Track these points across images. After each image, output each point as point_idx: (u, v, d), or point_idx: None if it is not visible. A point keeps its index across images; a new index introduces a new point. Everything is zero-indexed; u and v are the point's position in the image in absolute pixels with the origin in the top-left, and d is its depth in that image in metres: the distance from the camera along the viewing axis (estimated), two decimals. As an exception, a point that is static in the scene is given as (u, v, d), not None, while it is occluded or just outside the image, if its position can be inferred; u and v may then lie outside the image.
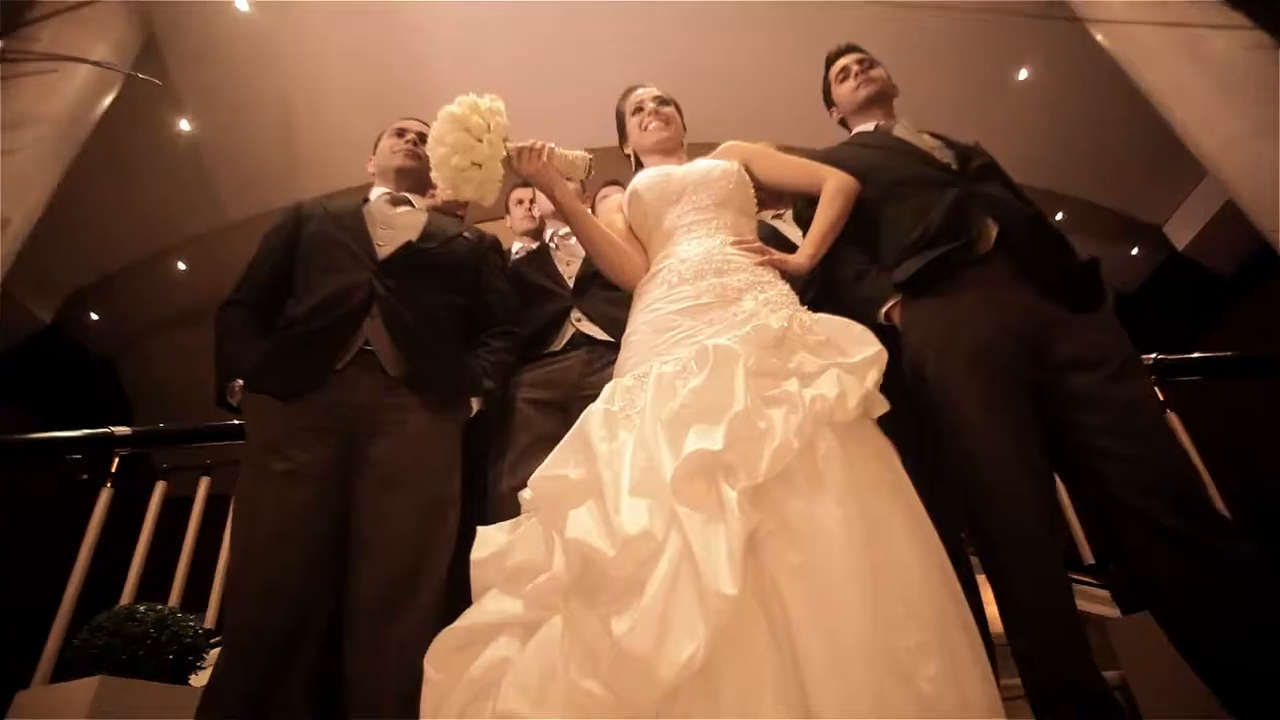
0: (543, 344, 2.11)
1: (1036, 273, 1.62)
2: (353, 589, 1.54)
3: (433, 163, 1.65)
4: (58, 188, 4.21)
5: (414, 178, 2.08)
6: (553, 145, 1.70)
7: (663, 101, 2.01)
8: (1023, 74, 5.77)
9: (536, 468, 1.42)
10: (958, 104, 5.31)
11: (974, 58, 5.50)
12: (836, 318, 1.47)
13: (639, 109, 1.99)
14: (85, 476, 2.35)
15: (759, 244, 1.68)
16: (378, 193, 2.05)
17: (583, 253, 2.19)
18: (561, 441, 1.40)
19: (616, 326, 1.81)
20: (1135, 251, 7.19)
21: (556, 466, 1.34)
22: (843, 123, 2.14)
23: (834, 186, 1.80)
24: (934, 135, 1.95)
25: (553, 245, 2.42)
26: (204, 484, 3.03)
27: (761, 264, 1.61)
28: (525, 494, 1.40)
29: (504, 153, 1.65)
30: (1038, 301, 1.59)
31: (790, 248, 1.79)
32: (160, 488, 2.80)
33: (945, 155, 1.84)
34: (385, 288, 1.76)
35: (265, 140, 5.57)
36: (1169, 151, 4.72)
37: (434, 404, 1.71)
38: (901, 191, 1.80)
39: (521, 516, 1.41)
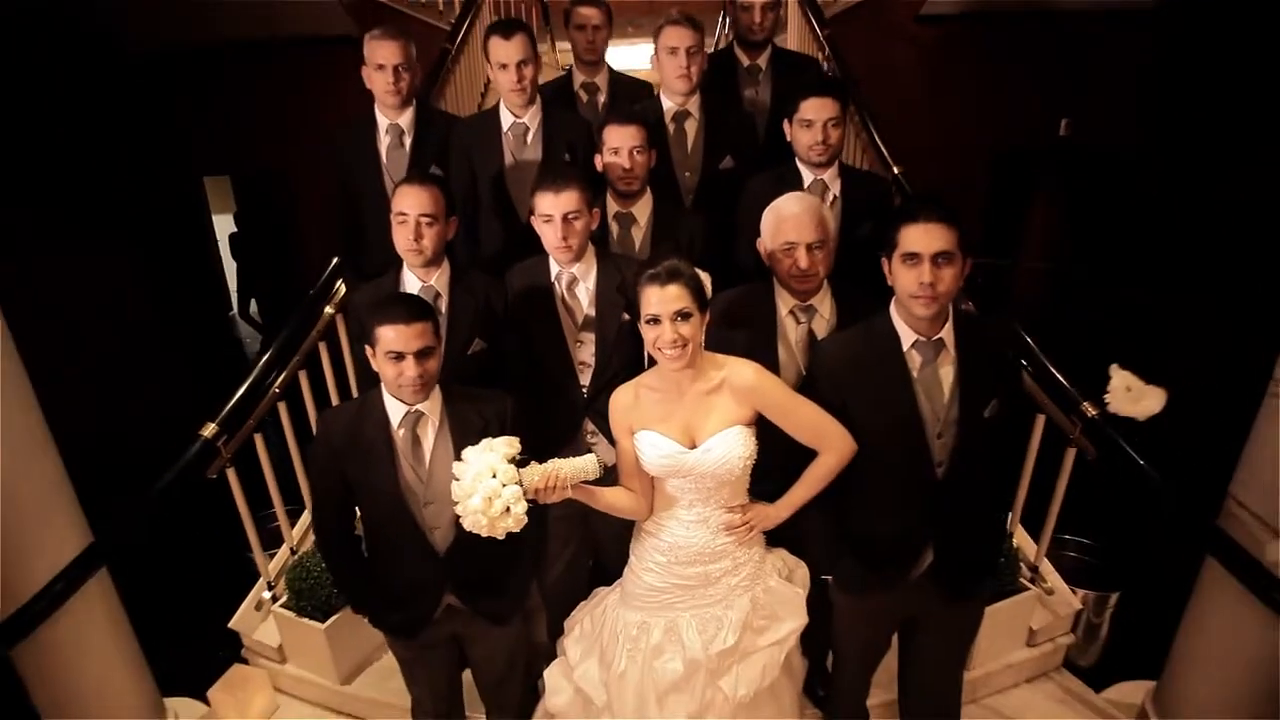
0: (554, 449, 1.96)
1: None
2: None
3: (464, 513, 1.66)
4: None
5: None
6: (558, 467, 1.72)
7: (682, 316, 1.73)
8: None
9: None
10: None
11: None
12: (787, 588, 2.01)
13: (654, 319, 1.74)
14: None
15: (745, 521, 1.93)
16: (399, 416, 1.89)
17: (592, 300, 2.13)
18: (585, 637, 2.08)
19: None
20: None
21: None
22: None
23: (835, 460, 1.86)
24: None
25: (561, 290, 2.11)
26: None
27: (745, 541, 1.95)
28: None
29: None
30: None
31: None
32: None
33: (947, 437, 1.79)
34: (455, 583, 1.94)
35: None
36: None
37: (506, 617, 2.08)
38: (887, 476, 1.88)
39: None
